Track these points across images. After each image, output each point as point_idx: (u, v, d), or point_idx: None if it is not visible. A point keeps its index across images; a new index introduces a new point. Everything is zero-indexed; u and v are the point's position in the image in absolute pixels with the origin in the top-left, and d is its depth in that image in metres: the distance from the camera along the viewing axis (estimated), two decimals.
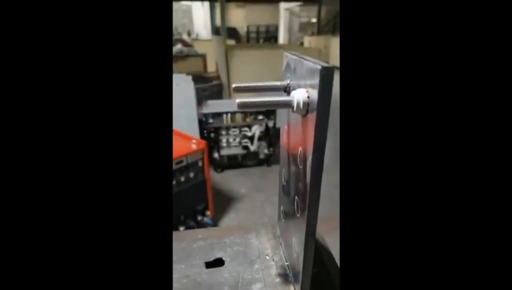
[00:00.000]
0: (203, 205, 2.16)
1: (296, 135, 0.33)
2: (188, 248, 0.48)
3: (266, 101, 0.28)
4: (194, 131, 2.90)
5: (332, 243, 0.51)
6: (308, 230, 0.32)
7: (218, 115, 2.94)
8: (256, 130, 3.04)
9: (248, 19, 12.22)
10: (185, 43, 5.91)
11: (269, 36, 12.37)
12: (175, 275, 0.43)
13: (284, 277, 0.42)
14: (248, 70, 4.01)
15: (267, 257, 0.45)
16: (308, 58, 0.29)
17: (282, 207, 0.45)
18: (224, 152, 3.09)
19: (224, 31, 5.10)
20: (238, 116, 2.98)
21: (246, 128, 3.03)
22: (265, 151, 3.17)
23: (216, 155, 3.07)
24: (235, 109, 2.95)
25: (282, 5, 11.30)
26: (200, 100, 3.12)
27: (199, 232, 0.52)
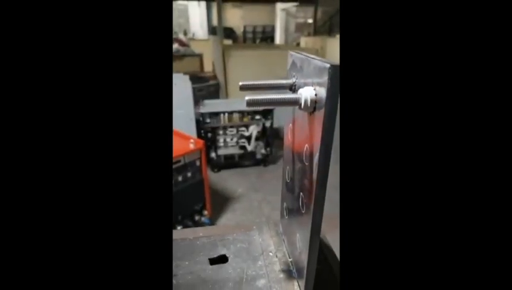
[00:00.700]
0: (200, 204, 2.15)
1: (302, 133, 0.34)
2: (192, 245, 0.49)
3: (274, 99, 0.29)
4: (191, 131, 2.89)
5: (333, 241, 0.52)
6: (313, 226, 0.33)
7: (215, 115, 2.94)
8: (254, 130, 3.04)
9: (245, 19, 12.23)
10: (181, 43, 5.89)
11: (266, 36, 12.38)
12: (180, 272, 0.43)
13: (288, 273, 0.42)
14: (245, 70, 4.01)
15: (271, 254, 0.46)
16: (314, 57, 0.30)
17: (285, 204, 0.46)
18: (221, 152, 3.09)
19: (221, 31, 5.10)
20: (236, 116, 2.98)
21: (243, 128, 3.04)
22: (262, 151, 3.18)
23: (213, 155, 3.07)
24: (232, 108, 2.96)
25: (279, 6, 11.31)
26: (197, 100, 3.11)
27: (200, 231, 0.53)
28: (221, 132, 3.02)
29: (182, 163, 1.93)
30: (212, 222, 2.30)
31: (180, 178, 1.94)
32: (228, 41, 7.13)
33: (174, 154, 1.86)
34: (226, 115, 2.95)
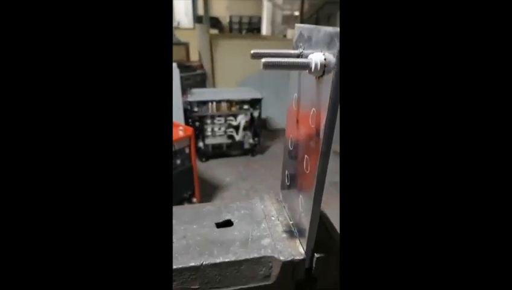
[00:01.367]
0: (189, 192, 2.17)
1: (309, 98, 0.37)
2: (198, 212, 0.51)
3: (288, 62, 0.32)
4: (179, 119, 2.87)
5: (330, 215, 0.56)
6: (317, 184, 0.36)
7: (203, 104, 2.93)
8: (242, 119, 3.06)
9: (230, 9, 12.04)
10: None
11: (252, 27, 12.26)
12: (189, 234, 0.46)
13: (290, 233, 0.46)
14: (233, 60, 3.99)
15: (273, 218, 0.50)
16: (321, 27, 0.33)
17: (287, 172, 0.49)
18: (208, 141, 3.09)
19: (207, 20, 5.01)
20: (224, 105, 2.99)
21: (232, 118, 3.05)
22: (250, 141, 3.21)
23: (201, 144, 3.07)
24: (220, 97, 2.95)
25: None
26: (184, 89, 3.08)
27: (201, 205, 0.55)
28: (209, 121, 3.02)
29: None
30: None
31: None
32: (214, 31, 7.02)
33: None
34: (214, 104, 2.95)
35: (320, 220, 0.51)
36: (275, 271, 0.42)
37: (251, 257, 0.41)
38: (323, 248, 0.43)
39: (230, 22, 12.37)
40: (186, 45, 5.25)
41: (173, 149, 1.94)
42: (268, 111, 3.89)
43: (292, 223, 0.47)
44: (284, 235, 0.46)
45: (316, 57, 0.31)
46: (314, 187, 0.37)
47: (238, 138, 3.14)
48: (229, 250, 0.42)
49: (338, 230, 0.50)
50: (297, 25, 0.39)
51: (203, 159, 3.16)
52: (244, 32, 11.72)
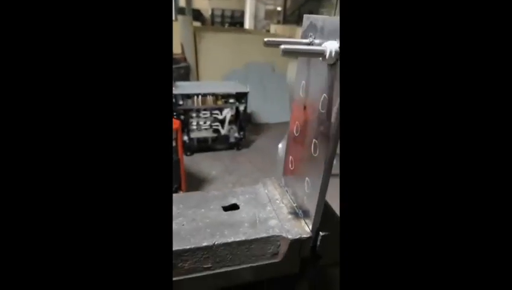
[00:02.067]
0: (175, 185, 2.15)
1: (319, 85, 0.39)
2: (204, 197, 0.53)
3: (305, 49, 0.34)
4: None
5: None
6: (326, 165, 0.39)
7: (188, 97, 2.89)
8: (227, 113, 3.05)
9: (212, 2, 11.84)
10: None
11: (234, 21, 12.15)
12: (197, 217, 0.47)
13: (295, 215, 0.49)
14: (217, 53, 3.96)
15: (277, 201, 0.52)
16: (333, 17, 0.35)
17: (291, 157, 0.52)
18: (194, 135, 3.06)
19: (190, 12, 4.90)
20: (209, 99, 2.96)
21: (217, 112, 3.03)
22: (236, 135, 3.22)
23: (186, 138, 3.03)
24: (206, 91, 2.92)
25: None
26: None
27: (206, 192, 0.56)
28: (194, 115, 2.98)
29: None
30: None
31: None
32: (196, 24, 6.89)
33: None
34: (200, 97, 2.92)
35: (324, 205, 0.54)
36: (283, 249, 0.44)
37: (260, 236, 0.43)
38: (326, 226, 0.46)
39: (213, 15, 12.18)
40: None
41: None
42: (253, 105, 3.91)
43: (296, 206, 0.50)
44: (290, 216, 0.48)
45: (331, 45, 0.34)
46: (323, 169, 0.39)
47: (223, 131, 3.13)
48: (239, 231, 0.44)
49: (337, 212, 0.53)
50: (307, 15, 0.41)
51: (188, 153, 3.13)
52: (226, 25, 11.59)
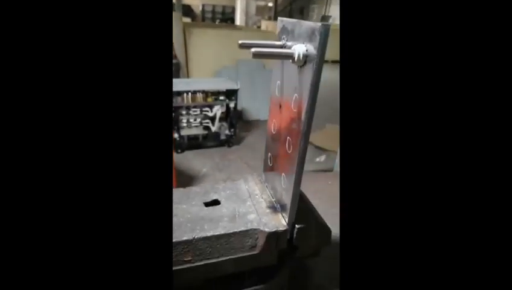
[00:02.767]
0: None
1: (291, 85, 0.41)
2: (186, 193, 0.54)
3: (274, 52, 0.36)
4: None
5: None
6: (299, 160, 0.41)
7: (178, 94, 2.88)
8: (218, 110, 3.05)
9: None
10: None
11: (225, 18, 12.05)
12: (179, 213, 0.49)
13: (273, 209, 0.51)
14: (208, 50, 3.93)
15: (257, 196, 0.54)
16: (303, 21, 0.37)
17: (270, 154, 0.54)
18: (184, 132, 3.05)
19: (179, 8, 4.85)
20: (199, 96, 2.95)
21: (207, 109, 3.03)
22: (227, 132, 3.22)
23: (176, 135, 3.02)
24: (195, 88, 2.91)
25: None
26: None
27: (188, 188, 0.58)
28: (184, 112, 2.97)
29: None
30: None
31: None
32: (186, 20, 6.82)
33: None
34: (189, 94, 2.91)
35: (301, 199, 0.57)
36: (261, 242, 0.46)
37: (239, 230, 0.46)
38: (302, 219, 0.48)
39: (203, 11, 12.05)
40: None
41: None
42: (243, 102, 3.91)
43: (274, 200, 0.52)
44: (268, 210, 0.50)
45: (299, 48, 0.36)
46: (296, 164, 0.41)
47: (214, 129, 3.13)
48: (219, 225, 0.46)
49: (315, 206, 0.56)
50: (280, 18, 0.43)
51: (179, 151, 3.12)
52: (217, 22, 11.49)
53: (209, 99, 3.00)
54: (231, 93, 3.05)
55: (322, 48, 0.33)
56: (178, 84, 2.98)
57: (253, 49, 0.34)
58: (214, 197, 0.54)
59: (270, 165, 0.54)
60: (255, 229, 0.46)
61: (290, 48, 0.38)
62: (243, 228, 0.46)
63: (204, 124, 3.09)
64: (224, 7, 12.04)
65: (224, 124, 3.18)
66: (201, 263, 0.44)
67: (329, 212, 0.61)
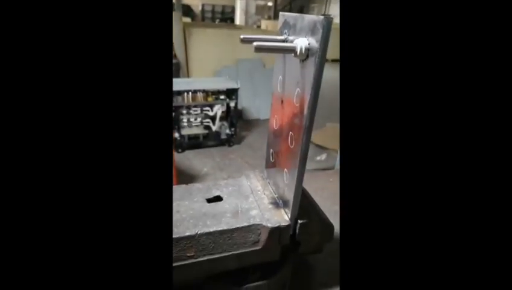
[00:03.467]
0: None
1: (293, 80, 0.41)
2: (188, 190, 0.54)
3: (276, 46, 0.35)
4: None
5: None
6: (301, 155, 0.41)
7: (178, 94, 2.88)
8: (218, 109, 3.05)
9: None
10: None
11: (225, 17, 12.05)
12: (182, 209, 0.49)
13: (275, 205, 0.51)
14: (208, 50, 3.93)
15: (259, 192, 0.54)
16: (305, 15, 0.37)
17: (272, 150, 0.54)
18: (185, 132, 3.05)
19: (179, 8, 4.85)
20: (199, 96, 2.95)
21: (208, 108, 3.03)
22: (227, 131, 3.22)
23: (177, 135, 3.02)
24: (196, 87, 2.91)
25: None
26: None
27: (190, 184, 0.58)
28: (184, 112, 2.97)
29: None
30: None
31: None
32: (186, 19, 6.82)
33: None
34: (190, 94, 2.91)
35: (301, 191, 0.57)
36: (263, 237, 0.46)
37: (241, 225, 0.46)
38: (305, 215, 0.48)
39: (203, 11, 12.05)
40: None
41: None
42: (243, 101, 3.91)
43: (277, 196, 0.52)
44: (270, 206, 0.50)
45: (301, 42, 0.35)
46: (298, 159, 0.41)
47: (214, 128, 3.13)
48: (221, 221, 0.46)
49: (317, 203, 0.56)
50: (282, 13, 0.43)
51: (180, 150, 3.12)
52: (217, 21, 11.50)
53: (210, 99, 3.00)
54: (231, 93, 3.05)
55: (325, 41, 0.33)
56: (178, 84, 2.98)
57: (255, 43, 0.34)
58: (216, 194, 0.54)
59: (272, 161, 0.54)
60: (257, 225, 0.46)
61: (291, 42, 0.38)
62: (245, 224, 0.46)
63: (204, 124, 3.10)
64: (223, 7, 12.04)
65: (225, 123, 3.18)
66: (204, 258, 0.44)
67: (332, 210, 0.61)
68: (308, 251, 0.53)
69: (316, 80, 0.35)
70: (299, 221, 0.47)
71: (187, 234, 0.43)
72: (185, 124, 3.02)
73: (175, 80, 3.20)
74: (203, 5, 11.91)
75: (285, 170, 0.47)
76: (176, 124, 2.98)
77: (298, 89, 0.39)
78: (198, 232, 0.43)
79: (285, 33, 0.42)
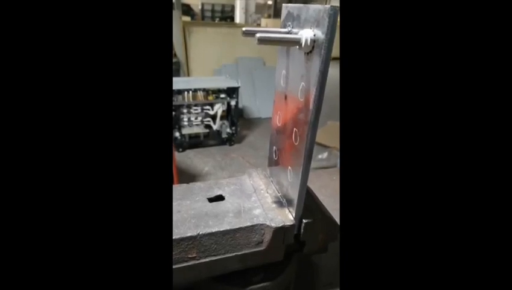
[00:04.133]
0: None
1: (297, 74, 0.39)
2: (190, 189, 0.53)
3: (281, 37, 0.34)
4: None
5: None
6: (306, 152, 0.40)
7: (178, 93, 2.86)
8: (219, 108, 3.04)
9: None
10: None
11: (225, 16, 12.03)
12: (183, 208, 0.47)
13: (279, 203, 0.49)
14: (208, 49, 3.92)
15: (262, 191, 0.53)
16: (310, 5, 0.36)
17: (275, 147, 0.52)
18: (185, 131, 3.04)
19: (179, 7, 4.83)
20: (200, 94, 2.94)
21: (208, 107, 3.02)
22: (228, 130, 3.21)
23: (177, 134, 3.01)
24: (196, 86, 2.90)
25: None
26: None
27: (191, 183, 0.57)
28: (185, 111, 2.96)
29: None
30: None
31: None
32: (186, 18, 6.81)
33: None
34: (190, 93, 2.89)
35: (308, 194, 0.55)
36: (267, 237, 0.45)
37: (245, 225, 0.44)
38: (309, 214, 0.47)
39: (203, 10, 12.02)
40: None
41: None
42: (244, 100, 3.90)
43: (280, 195, 0.51)
44: (274, 205, 0.49)
45: (306, 34, 0.34)
46: (303, 156, 0.40)
47: (215, 127, 3.12)
48: (224, 221, 0.45)
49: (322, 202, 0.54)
50: (285, 4, 0.42)
51: (180, 150, 3.11)
52: (217, 20, 11.47)
53: (210, 98, 2.99)
54: (232, 91, 3.04)
55: (331, 31, 0.31)
56: (178, 83, 2.97)
57: (258, 34, 0.32)
58: (218, 193, 0.52)
59: (276, 159, 0.52)
60: (261, 225, 0.45)
61: (296, 34, 0.36)
62: (248, 224, 0.44)
63: (205, 123, 3.08)
64: (223, 5, 12.01)
65: (226, 122, 3.17)
66: (207, 259, 0.43)
67: (335, 208, 0.59)
68: (313, 250, 0.51)
69: (322, 73, 0.34)
70: (304, 220, 0.46)
71: (189, 234, 0.42)
72: (186, 123, 3.01)
73: (175, 79, 3.18)
74: (202, 4, 11.89)
75: (289, 167, 0.46)
76: (177, 123, 2.97)
77: (303, 83, 0.38)
78: (200, 232, 0.42)
79: (289, 25, 0.40)
